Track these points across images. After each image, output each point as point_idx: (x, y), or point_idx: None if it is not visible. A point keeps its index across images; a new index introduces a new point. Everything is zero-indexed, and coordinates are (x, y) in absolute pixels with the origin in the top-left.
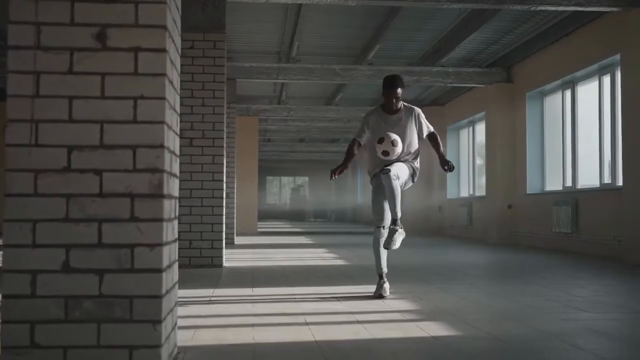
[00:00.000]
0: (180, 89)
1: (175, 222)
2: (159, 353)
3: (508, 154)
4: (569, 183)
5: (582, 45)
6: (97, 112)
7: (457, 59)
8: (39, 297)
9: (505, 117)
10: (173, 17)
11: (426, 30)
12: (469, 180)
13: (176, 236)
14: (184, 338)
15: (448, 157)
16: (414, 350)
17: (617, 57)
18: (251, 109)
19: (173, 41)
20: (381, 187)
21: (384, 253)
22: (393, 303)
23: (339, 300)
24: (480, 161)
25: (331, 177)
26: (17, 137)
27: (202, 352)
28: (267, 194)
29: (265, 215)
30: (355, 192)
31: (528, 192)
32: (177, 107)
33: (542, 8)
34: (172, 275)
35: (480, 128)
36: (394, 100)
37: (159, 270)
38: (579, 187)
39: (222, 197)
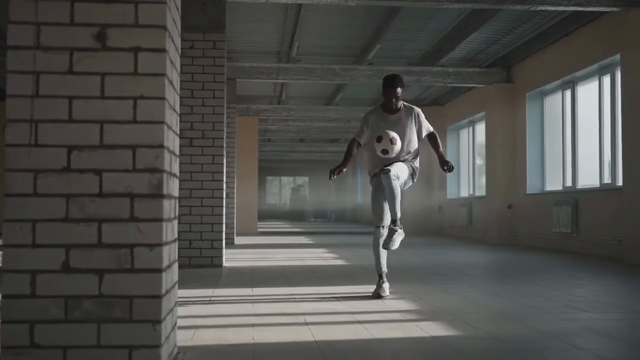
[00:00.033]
0: (180, 89)
1: (175, 222)
2: (159, 353)
3: (508, 154)
4: (569, 183)
5: (582, 45)
6: (97, 112)
7: (457, 59)
8: (38, 297)
9: (505, 117)
10: (173, 17)
11: (426, 30)
12: (469, 180)
13: (176, 236)
14: (183, 338)
15: (448, 157)
16: (414, 350)
17: (617, 57)
18: (251, 109)
19: (173, 41)
20: (381, 187)
21: (383, 253)
22: (393, 303)
23: (339, 300)
24: (480, 161)
25: (330, 177)
26: (17, 137)
27: (201, 352)
28: (267, 194)
29: (265, 215)
30: (355, 192)
31: (528, 192)
32: (177, 107)
33: (542, 8)
34: (171, 275)
35: (480, 128)
36: (394, 100)
37: (159, 270)
38: (579, 187)
39: (222, 197)
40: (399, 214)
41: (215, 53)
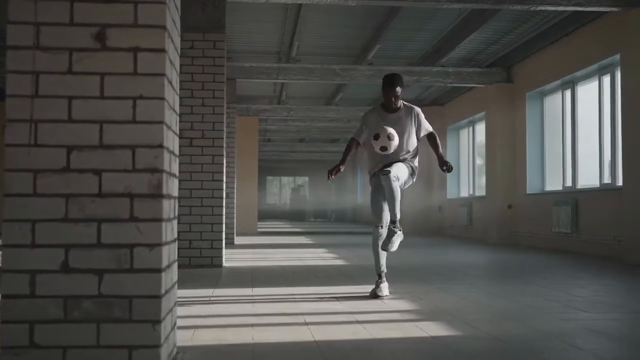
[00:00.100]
0: (180, 89)
1: (175, 222)
2: (158, 353)
3: (508, 154)
4: (569, 183)
5: (582, 45)
6: (97, 112)
7: (457, 59)
8: (38, 297)
9: (505, 117)
10: (172, 17)
11: (426, 30)
12: (469, 180)
13: (175, 236)
14: (183, 338)
15: (448, 158)
16: (414, 350)
17: (617, 57)
18: (251, 109)
19: (172, 41)
20: (380, 186)
21: (382, 253)
22: (392, 303)
23: (338, 300)
24: (480, 161)
25: (328, 177)
26: (17, 137)
27: (201, 352)
28: (267, 194)
29: (265, 215)
30: (355, 192)
31: (528, 192)
32: (177, 107)
33: (542, 8)
34: (171, 275)
35: (480, 128)
36: (393, 99)
37: (159, 270)
38: (579, 187)
39: (222, 197)
40: (398, 216)
41: (215, 53)
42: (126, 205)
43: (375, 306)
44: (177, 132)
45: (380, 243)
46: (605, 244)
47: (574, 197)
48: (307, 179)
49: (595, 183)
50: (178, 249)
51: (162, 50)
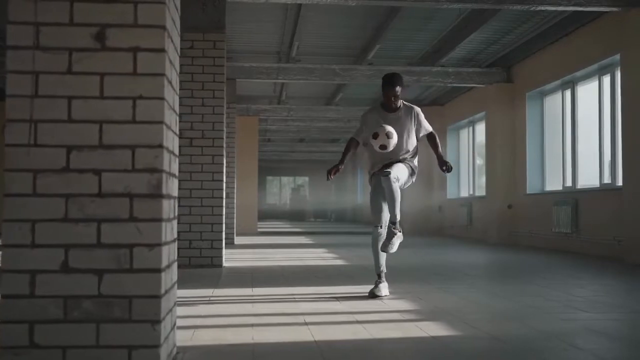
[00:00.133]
0: (180, 89)
1: (175, 222)
2: (158, 353)
3: (508, 154)
4: (569, 183)
5: (582, 45)
6: (96, 112)
7: (457, 59)
8: (37, 297)
9: (505, 117)
10: (172, 17)
11: (426, 30)
12: (469, 180)
13: (175, 236)
14: (183, 338)
15: (448, 158)
16: (413, 350)
17: (617, 57)
18: (251, 109)
19: (172, 41)
20: (380, 187)
21: (382, 253)
22: (392, 303)
23: (338, 300)
24: (480, 161)
25: (327, 177)
26: (16, 137)
27: (201, 352)
28: (267, 194)
29: (265, 215)
30: (355, 192)
31: (528, 192)
32: (176, 107)
33: (542, 8)
34: (171, 275)
35: (480, 128)
36: (393, 99)
37: (158, 270)
38: (578, 187)
39: (222, 197)
40: (398, 217)
41: (215, 53)
42: (126, 205)
43: (375, 306)
44: (177, 132)
45: (379, 243)
46: (605, 244)
47: (574, 197)
48: (307, 179)
49: (595, 183)
50: (178, 249)
51: (162, 50)
